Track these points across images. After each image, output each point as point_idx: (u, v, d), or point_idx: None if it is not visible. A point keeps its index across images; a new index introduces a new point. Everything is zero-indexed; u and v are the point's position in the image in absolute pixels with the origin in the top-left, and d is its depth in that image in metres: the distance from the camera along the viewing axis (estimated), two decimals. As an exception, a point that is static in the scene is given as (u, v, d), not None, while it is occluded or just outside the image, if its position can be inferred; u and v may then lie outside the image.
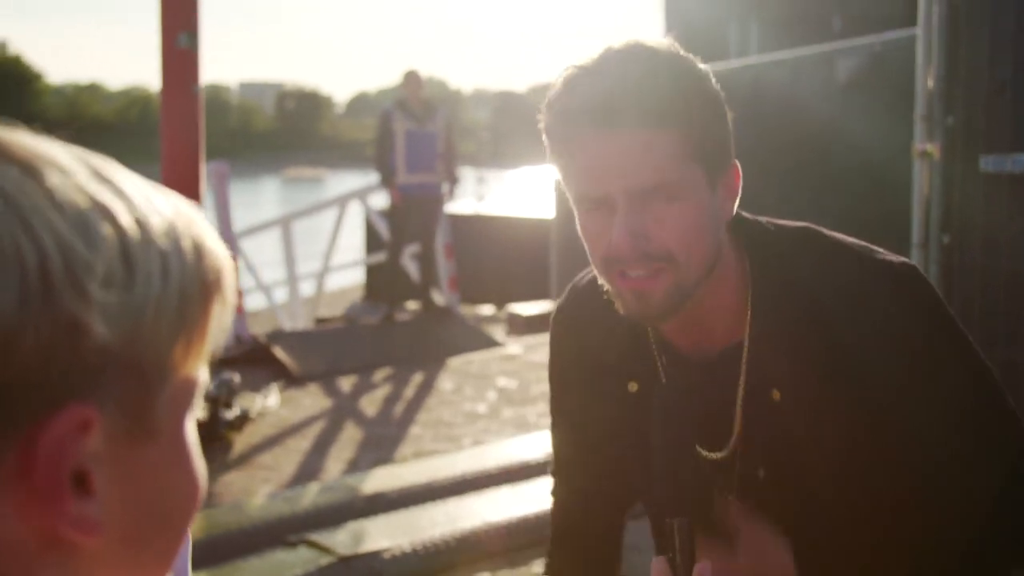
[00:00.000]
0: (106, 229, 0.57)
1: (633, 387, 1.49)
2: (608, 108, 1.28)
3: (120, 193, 0.60)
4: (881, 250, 1.42)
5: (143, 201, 0.60)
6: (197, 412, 0.65)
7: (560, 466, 1.69)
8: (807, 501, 1.42)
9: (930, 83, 4.50)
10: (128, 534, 0.60)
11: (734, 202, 1.40)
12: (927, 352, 1.35)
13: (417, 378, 8.39)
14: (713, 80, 1.35)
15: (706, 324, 1.43)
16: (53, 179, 0.57)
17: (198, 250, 0.62)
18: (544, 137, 1.35)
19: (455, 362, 8.92)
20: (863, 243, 1.43)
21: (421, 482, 5.60)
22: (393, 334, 9.51)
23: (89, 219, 0.57)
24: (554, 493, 1.71)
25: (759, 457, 1.43)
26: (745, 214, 1.45)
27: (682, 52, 1.34)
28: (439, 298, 10.36)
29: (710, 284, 1.38)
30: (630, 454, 1.49)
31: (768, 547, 1.36)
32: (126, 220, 0.58)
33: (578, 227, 1.37)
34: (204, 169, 7.32)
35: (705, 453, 1.46)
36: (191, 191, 7.14)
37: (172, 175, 7.15)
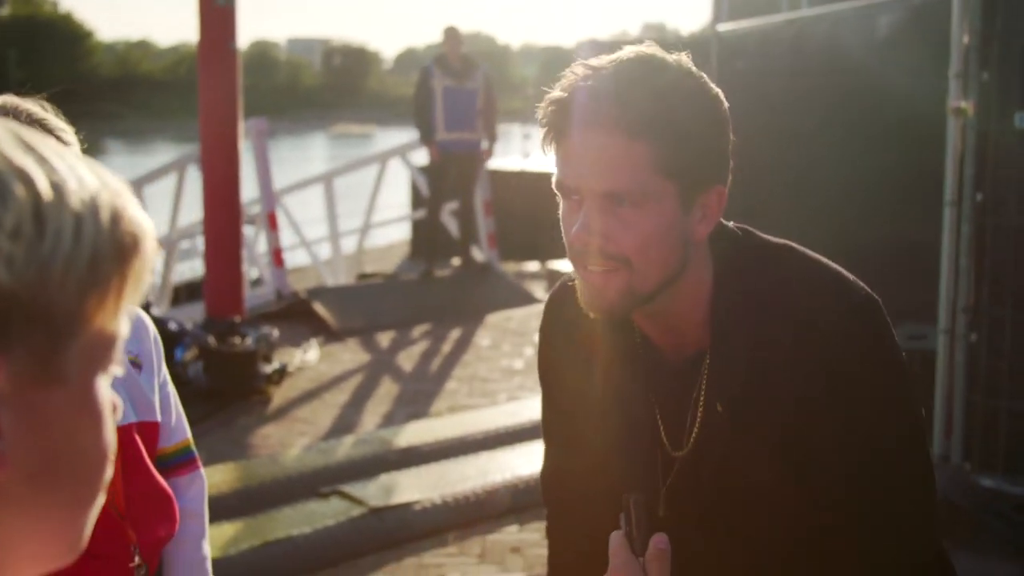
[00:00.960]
0: (19, 189, 0.62)
1: (619, 381, 1.54)
2: (592, 109, 1.35)
3: (42, 161, 0.65)
4: (852, 278, 1.45)
5: (65, 170, 0.66)
6: (116, 368, 0.70)
7: (551, 440, 1.76)
8: (741, 509, 1.47)
9: (965, 39, 4.43)
10: (34, 473, 0.65)
11: (711, 223, 1.43)
12: (864, 393, 1.39)
13: (455, 334, 8.46)
14: (721, 104, 1.40)
15: (679, 330, 1.49)
16: None
17: (116, 215, 0.67)
18: (540, 124, 1.42)
19: (493, 318, 8.98)
20: (837, 269, 1.46)
21: (454, 436, 5.67)
22: (432, 290, 9.57)
23: (5, 180, 0.63)
24: (546, 467, 1.78)
25: (705, 464, 1.48)
26: (729, 225, 1.50)
27: (693, 71, 1.38)
28: (478, 255, 10.39)
29: (676, 294, 1.44)
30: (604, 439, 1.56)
31: None
32: (42, 184, 0.63)
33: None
34: (242, 126, 7.42)
35: (669, 449, 1.52)
36: (229, 147, 7.25)
37: (210, 131, 7.26)
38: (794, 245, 1.49)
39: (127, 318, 0.69)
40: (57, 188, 0.64)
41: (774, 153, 5.46)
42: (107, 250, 0.65)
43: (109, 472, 0.70)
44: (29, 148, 0.65)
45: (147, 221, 0.69)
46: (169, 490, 1.82)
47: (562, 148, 1.39)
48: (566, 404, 1.66)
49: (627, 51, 1.38)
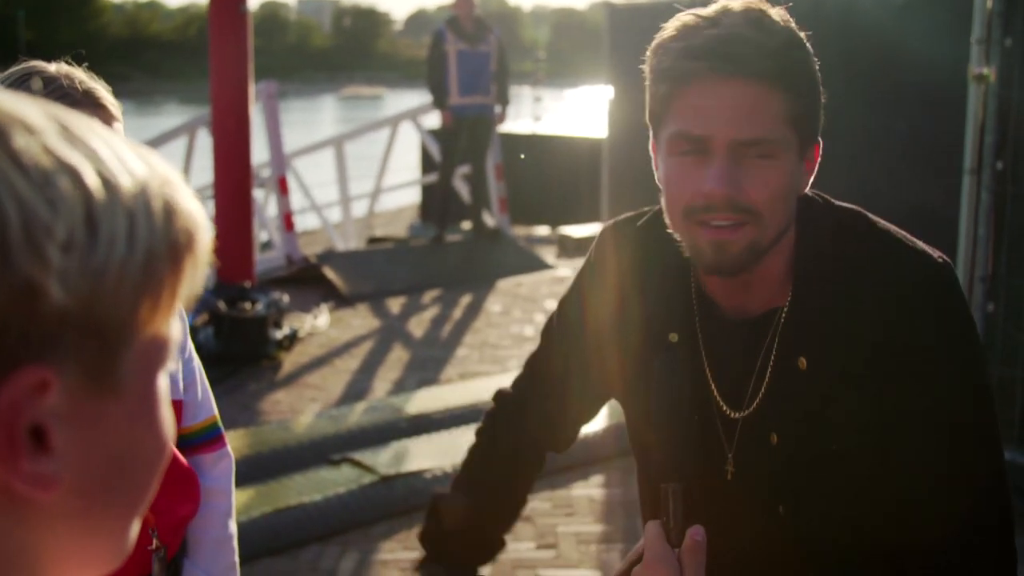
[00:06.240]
0: (70, 191, 0.57)
1: (673, 338, 1.52)
2: (730, 56, 1.32)
3: (90, 153, 0.59)
4: (924, 245, 1.45)
5: (113, 161, 0.60)
6: (171, 366, 0.65)
7: (538, 365, 1.78)
8: (810, 472, 1.45)
9: (989, 4, 4.35)
10: (87, 488, 0.61)
11: (811, 177, 1.45)
12: (941, 355, 1.39)
13: (465, 300, 8.43)
14: (816, 61, 1.40)
15: (753, 287, 1.46)
16: (19, 140, 0.57)
17: (169, 211, 0.62)
18: (651, 76, 1.39)
19: (504, 284, 8.94)
20: (906, 234, 1.46)
21: (465, 404, 5.65)
22: (443, 255, 9.54)
23: (53, 181, 0.57)
24: (520, 380, 1.81)
25: (775, 422, 1.45)
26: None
27: (794, 25, 1.38)
28: (489, 220, 10.34)
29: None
30: (649, 399, 1.54)
31: None
32: (92, 181, 0.58)
33: (662, 172, 1.42)
34: (253, 88, 7.36)
35: (727, 411, 1.49)
36: (239, 110, 7.19)
37: (220, 95, 7.20)
38: (861, 210, 1.49)
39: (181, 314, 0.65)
40: (108, 185, 0.59)
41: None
42: (161, 250, 0.60)
43: (163, 470, 0.67)
44: (75, 138, 0.60)
45: (200, 212, 0.64)
46: (192, 469, 1.79)
47: (685, 98, 1.35)
48: (594, 340, 1.64)
49: (731, 4, 1.36)
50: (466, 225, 10.53)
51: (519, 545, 4.29)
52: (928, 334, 1.38)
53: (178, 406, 1.78)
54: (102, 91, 1.63)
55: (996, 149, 4.39)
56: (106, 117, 1.62)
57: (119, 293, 0.58)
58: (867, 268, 1.41)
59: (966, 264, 4.53)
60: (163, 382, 0.65)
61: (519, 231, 11.05)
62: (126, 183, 0.60)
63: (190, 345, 1.85)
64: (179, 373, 1.79)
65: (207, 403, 1.87)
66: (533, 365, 1.80)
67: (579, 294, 1.69)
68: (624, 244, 1.61)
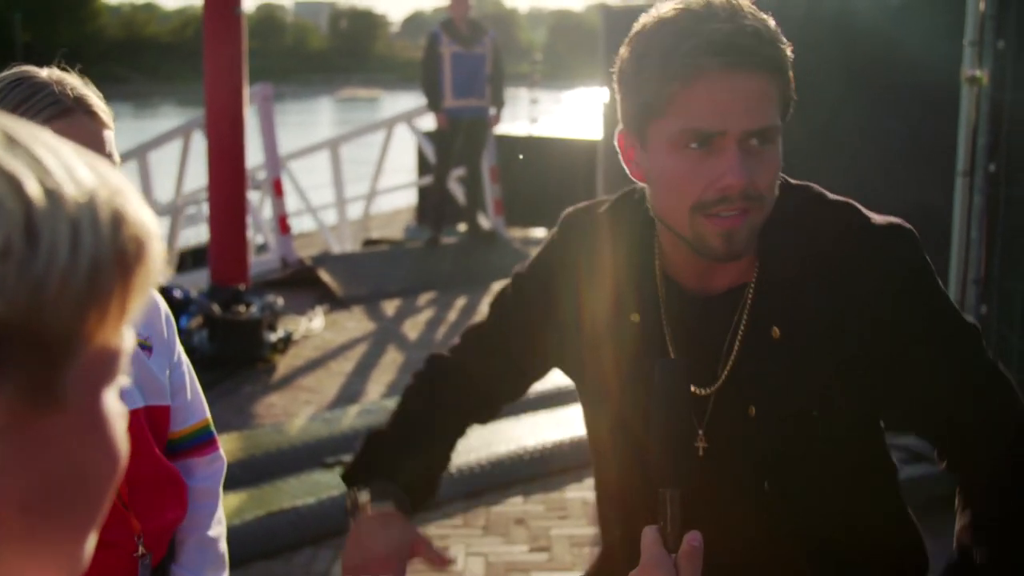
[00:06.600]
0: (8, 200, 0.56)
1: (635, 318, 1.54)
2: (736, 49, 1.35)
3: (32, 161, 0.58)
4: (879, 214, 1.51)
5: (58, 169, 0.59)
6: (122, 379, 0.63)
7: (484, 332, 1.78)
8: (793, 439, 1.47)
9: (981, 5, 4.35)
10: (31, 506, 0.59)
11: None
12: (913, 293, 1.45)
13: (461, 302, 8.42)
14: None
15: (723, 266, 1.49)
16: None
17: (118, 220, 0.60)
18: (646, 73, 1.39)
19: (499, 286, 8.92)
20: (860, 206, 1.52)
21: (459, 406, 5.64)
22: (438, 257, 9.53)
23: None
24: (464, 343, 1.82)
25: (751, 394, 1.47)
26: None
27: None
28: (485, 222, 10.33)
29: None
30: (614, 378, 1.57)
31: None
32: (33, 189, 0.57)
33: (660, 168, 1.42)
34: (247, 91, 7.35)
35: (694, 389, 1.50)
36: (234, 113, 7.19)
37: (215, 98, 7.19)
38: (814, 185, 1.54)
39: (132, 325, 0.63)
40: (51, 193, 0.57)
41: (786, 122, 5.37)
42: (108, 260, 0.58)
43: (115, 486, 0.65)
44: (17, 146, 0.58)
45: (152, 220, 0.62)
46: (178, 473, 1.78)
47: (692, 94, 1.36)
48: (548, 315, 1.66)
49: None
50: (462, 227, 10.53)
51: (512, 548, 4.29)
52: (896, 279, 1.43)
53: (165, 412, 1.77)
54: (94, 98, 1.62)
55: (989, 151, 4.39)
56: (98, 124, 1.60)
57: (61, 303, 0.56)
58: (831, 233, 1.45)
59: (959, 266, 4.52)
60: (115, 395, 0.63)
61: (515, 233, 11.03)
62: (71, 192, 0.58)
63: (179, 349, 1.84)
64: (167, 379, 1.78)
65: (198, 406, 1.86)
66: (474, 333, 1.80)
67: (539, 272, 1.69)
68: (587, 227, 1.63)
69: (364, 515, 1.63)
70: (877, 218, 1.47)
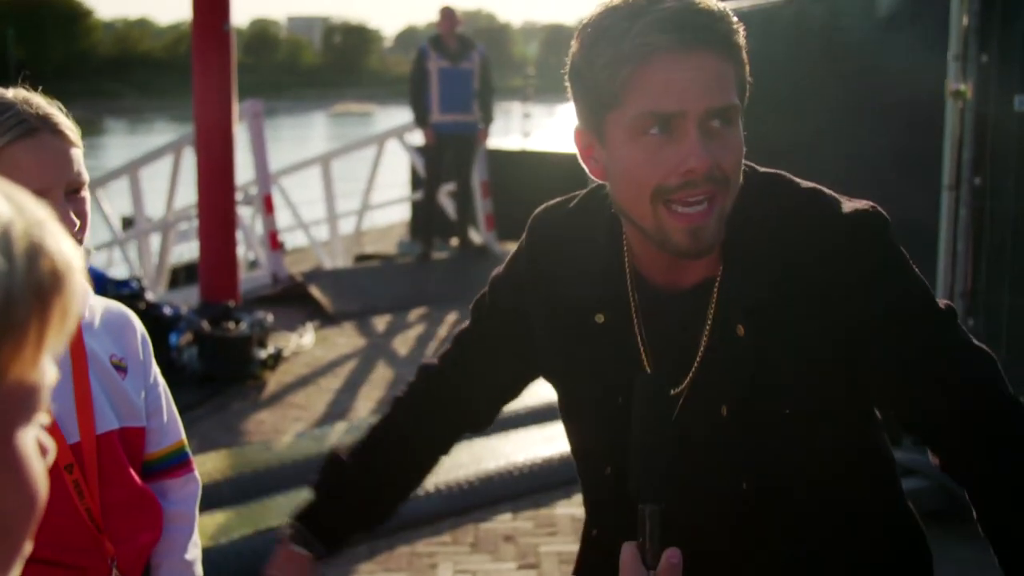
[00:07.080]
0: None
1: (600, 319, 1.51)
2: (694, 26, 1.32)
3: None
4: (849, 199, 1.46)
5: None
6: (41, 417, 0.62)
7: (466, 339, 1.76)
8: (769, 439, 1.44)
9: (965, 20, 4.37)
10: None
11: None
12: (881, 273, 1.41)
13: (451, 317, 8.42)
14: None
15: (687, 260, 1.44)
16: None
17: (34, 252, 0.59)
18: (598, 63, 1.35)
19: (490, 301, 8.92)
20: (831, 192, 1.48)
21: (448, 422, 5.63)
22: (429, 273, 9.52)
23: None
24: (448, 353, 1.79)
25: (722, 394, 1.44)
26: None
27: None
28: (476, 236, 10.33)
29: None
30: (582, 383, 1.55)
31: None
32: None
33: (619, 160, 1.38)
34: (236, 107, 7.35)
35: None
36: (223, 129, 7.19)
37: (204, 115, 7.19)
38: (783, 172, 1.50)
39: (53, 360, 0.62)
40: None
41: (772, 133, 5.40)
42: (22, 292, 0.57)
43: (34, 526, 0.63)
44: None
45: (71, 252, 0.61)
46: (153, 495, 1.77)
47: (647, 75, 1.32)
48: (517, 328, 1.64)
49: None
50: (454, 242, 10.53)
51: (501, 565, 4.27)
52: (864, 262, 1.40)
53: (140, 433, 1.77)
54: (60, 116, 1.62)
55: (974, 165, 4.40)
56: (64, 142, 1.61)
57: None
58: (795, 223, 1.42)
59: (946, 280, 4.53)
60: (33, 433, 0.61)
61: (507, 248, 11.03)
62: None
63: (155, 370, 1.84)
64: (142, 400, 1.78)
65: (174, 428, 1.86)
66: (460, 340, 1.77)
67: (511, 276, 1.67)
68: (555, 227, 1.60)
69: (280, 552, 1.73)
70: (847, 205, 1.43)
